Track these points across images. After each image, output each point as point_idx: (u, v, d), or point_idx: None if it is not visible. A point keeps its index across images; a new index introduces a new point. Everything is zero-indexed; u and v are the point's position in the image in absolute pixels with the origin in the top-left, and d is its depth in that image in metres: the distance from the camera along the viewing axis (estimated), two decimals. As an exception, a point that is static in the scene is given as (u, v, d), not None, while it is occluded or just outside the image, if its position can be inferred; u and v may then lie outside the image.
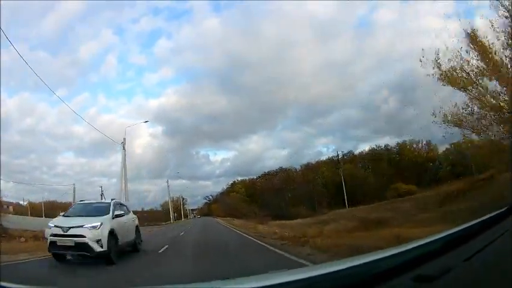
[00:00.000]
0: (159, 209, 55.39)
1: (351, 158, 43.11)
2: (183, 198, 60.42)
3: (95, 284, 6.50)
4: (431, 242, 1.86)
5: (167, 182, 48.65)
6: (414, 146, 39.19)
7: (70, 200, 41.18)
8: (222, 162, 54.77)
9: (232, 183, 52.92)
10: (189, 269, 7.29)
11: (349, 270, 1.62)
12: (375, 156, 40.42)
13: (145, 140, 52.11)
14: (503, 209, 2.14)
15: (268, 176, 47.63)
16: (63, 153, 47.32)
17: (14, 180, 39.47)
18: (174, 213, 53.53)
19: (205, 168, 53.76)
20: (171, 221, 48.39)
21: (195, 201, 58.75)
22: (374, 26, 45.48)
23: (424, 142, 38.70)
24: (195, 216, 59.13)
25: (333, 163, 42.16)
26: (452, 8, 51.85)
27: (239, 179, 53.18)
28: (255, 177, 51.71)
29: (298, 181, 40.69)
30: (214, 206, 54.08)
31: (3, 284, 2.05)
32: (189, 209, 61.82)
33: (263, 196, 42.84)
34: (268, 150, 61.09)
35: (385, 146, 40.76)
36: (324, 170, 41.90)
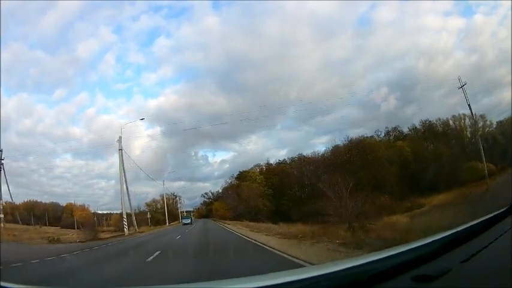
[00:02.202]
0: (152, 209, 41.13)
1: (397, 135, 33.25)
2: (175, 196, 45.25)
3: (94, 284, 6.49)
4: (430, 242, 1.86)
5: (120, 157, 28.49)
6: (468, 120, 31.77)
7: (56, 200, 37.65)
8: (221, 163, 53.27)
9: (240, 173, 37.51)
10: None
11: (349, 271, 1.62)
12: (426, 132, 31.96)
13: (143, 140, 51.42)
14: (503, 209, 2.15)
15: (299, 160, 34.09)
16: (61, 156, 47.14)
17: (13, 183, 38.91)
18: (148, 216, 37.57)
19: (204, 169, 51.94)
20: (125, 231, 26.50)
21: (193, 203, 54.60)
22: (374, 24, 45.27)
23: (478, 115, 30.96)
24: (187, 219, 39.55)
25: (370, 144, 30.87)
26: (451, 6, 52.02)
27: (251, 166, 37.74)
28: (275, 162, 36.77)
29: (360, 161, 29.01)
30: (217, 205, 39.93)
31: (3, 284, 2.06)
32: (180, 211, 46.16)
33: (303, 186, 30.32)
34: (267, 151, 60.51)
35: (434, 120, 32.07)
36: (382, 147, 30.97)
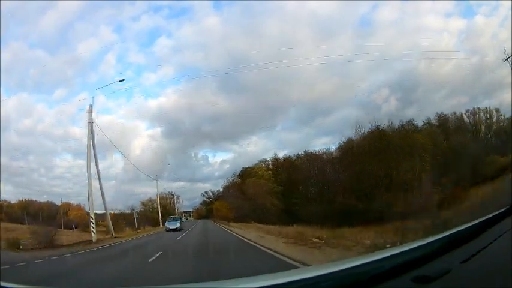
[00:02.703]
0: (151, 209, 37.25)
1: (412, 129, 31.17)
2: (173, 196, 39.60)
3: (93, 284, 6.49)
4: (430, 243, 1.86)
5: (89, 132, 23.32)
6: (483, 114, 31.54)
7: (53, 199, 37.30)
8: (221, 164, 53.11)
9: (243, 170, 34.54)
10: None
11: (349, 271, 1.62)
12: (441, 125, 30.79)
13: (144, 141, 51.19)
14: (503, 209, 2.14)
15: (307, 155, 30.60)
16: (61, 155, 46.80)
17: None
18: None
19: (204, 169, 51.60)
20: (93, 237, 19.82)
21: (193, 204, 53.76)
22: (375, 25, 45.21)
23: (493, 109, 30.72)
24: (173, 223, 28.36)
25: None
26: (452, 7, 52.01)
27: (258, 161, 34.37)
28: (282, 157, 33.36)
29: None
30: (218, 205, 36.37)
31: (3, 284, 2.06)
32: (179, 211, 41.08)
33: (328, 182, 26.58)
34: (268, 152, 60.37)
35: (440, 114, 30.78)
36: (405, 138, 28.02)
